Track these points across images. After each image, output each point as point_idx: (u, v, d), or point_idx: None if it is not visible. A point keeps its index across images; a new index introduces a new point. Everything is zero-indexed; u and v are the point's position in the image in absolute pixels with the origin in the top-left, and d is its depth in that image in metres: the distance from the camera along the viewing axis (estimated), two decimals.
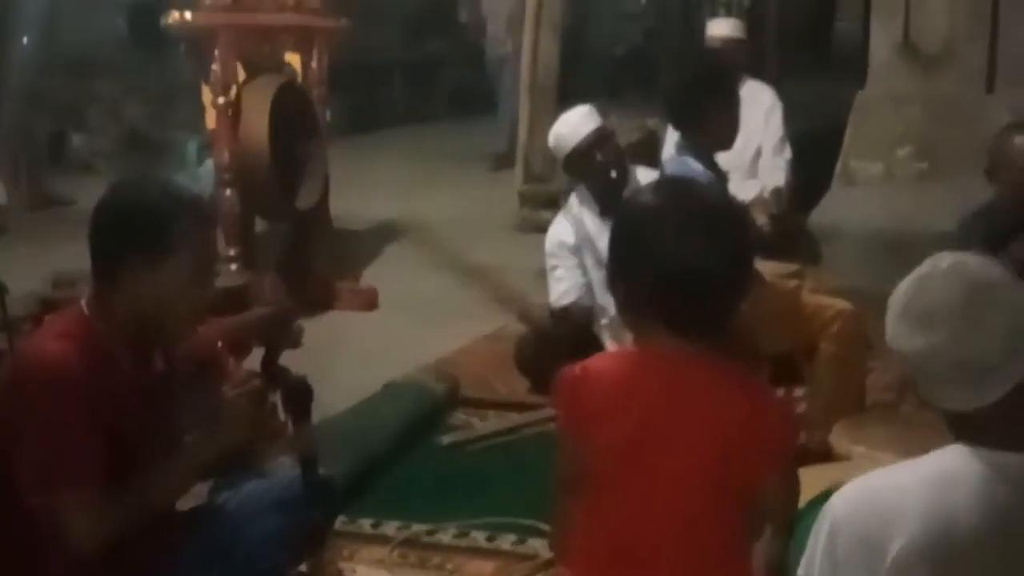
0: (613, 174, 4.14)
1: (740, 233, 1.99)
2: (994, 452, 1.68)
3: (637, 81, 10.05)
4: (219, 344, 2.68)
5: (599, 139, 4.14)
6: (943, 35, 5.61)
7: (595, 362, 2.06)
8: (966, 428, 1.71)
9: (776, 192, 5.68)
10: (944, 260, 1.73)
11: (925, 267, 1.75)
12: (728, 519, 1.94)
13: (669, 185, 2.19)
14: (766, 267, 4.52)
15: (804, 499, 2.24)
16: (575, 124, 4.16)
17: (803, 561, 1.80)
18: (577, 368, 2.04)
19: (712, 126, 3.69)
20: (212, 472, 2.53)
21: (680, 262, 1.89)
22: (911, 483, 1.70)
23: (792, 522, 2.08)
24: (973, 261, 1.72)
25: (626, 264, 1.98)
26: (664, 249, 1.90)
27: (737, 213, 2.04)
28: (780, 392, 4.18)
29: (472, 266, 6.39)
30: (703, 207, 1.96)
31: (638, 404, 1.95)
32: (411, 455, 4.01)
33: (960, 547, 1.65)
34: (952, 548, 1.65)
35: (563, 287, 4.32)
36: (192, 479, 2.41)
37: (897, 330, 1.72)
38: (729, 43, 5.77)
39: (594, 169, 4.16)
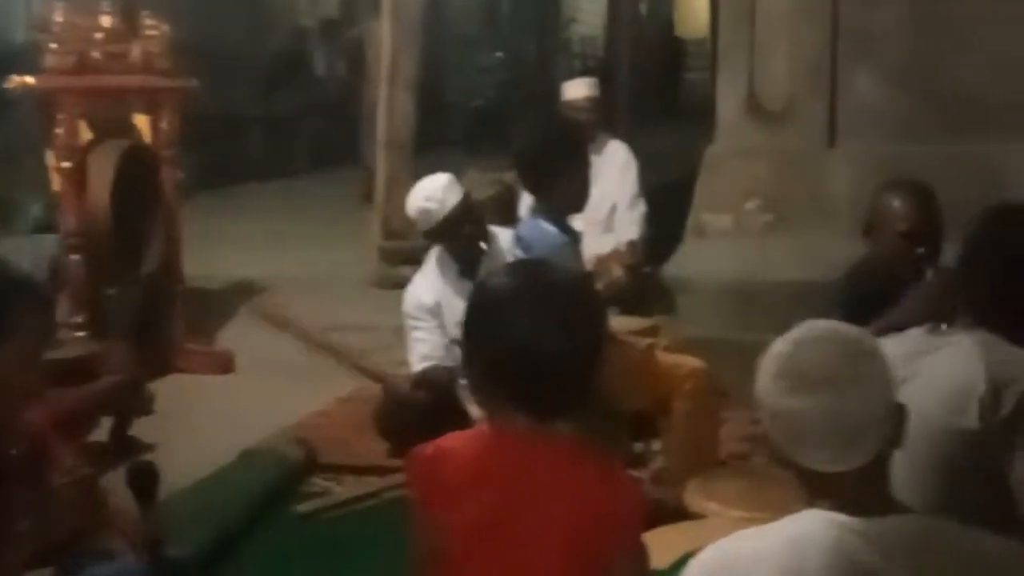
0: (483, 244, 4.15)
1: (590, 315, 2.02)
2: (849, 517, 1.72)
3: (493, 134, 10.17)
4: (49, 428, 2.58)
5: (465, 210, 4.13)
6: (785, 92, 5.78)
7: (448, 441, 2.06)
8: (825, 490, 1.75)
9: (631, 245, 5.81)
10: (818, 326, 1.80)
11: (799, 331, 1.80)
12: None
13: (522, 268, 2.23)
14: (621, 323, 4.61)
15: (661, 560, 2.27)
16: (440, 197, 4.08)
17: None
18: (430, 447, 2.05)
19: (564, 190, 3.73)
20: (54, 559, 2.45)
21: (531, 346, 1.92)
22: (766, 549, 1.73)
23: None
24: (845, 328, 1.79)
25: (479, 346, 2.00)
26: (516, 333, 1.93)
27: (588, 295, 2.07)
28: (638, 447, 4.28)
29: (331, 326, 6.32)
30: (555, 291, 1.99)
31: (491, 484, 1.96)
32: (266, 527, 3.91)
33: None
34: None
35: (423, 349, 4.30)
36: (20, 570, 2.32)
37: (772, 389, 1.75)
38: (585, 103, 5.90)
39: (460, 239, 4.15)
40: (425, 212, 4.10)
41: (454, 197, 4.09)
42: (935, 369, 2.28)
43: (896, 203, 3.41)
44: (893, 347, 2.25)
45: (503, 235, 4.16)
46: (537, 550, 1.92)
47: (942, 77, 5.42)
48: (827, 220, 5.42)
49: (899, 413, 1.76)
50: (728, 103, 5.91)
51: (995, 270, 2.35)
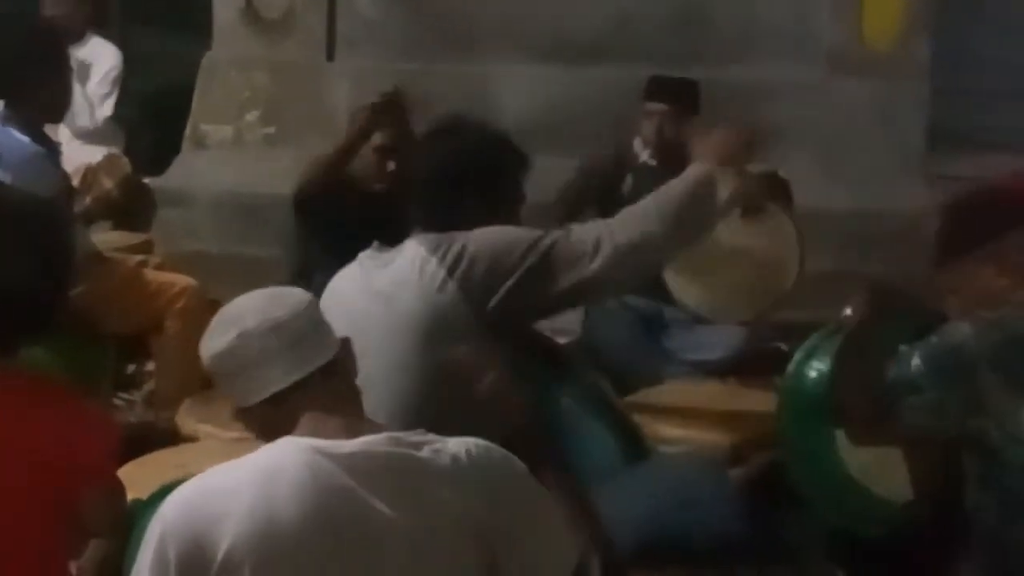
0: None
1: (48, 240, 1.88)
2: (321, 441, 1.72)
3: None
4: None
5: None
6: (284, 1, 5.71)
7: None
8: (295, 420, 1.76)
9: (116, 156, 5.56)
10: None
11: None
12: (42, 540, 1.84)
13: None
14: (110, 239, 4.40)
15: (148, 488, 2.17)
16: None
17: (134, 571, 1.73)
18: None
19: (39, 97, 3.44)
20: None
21: None
22: (239, 481, 1.70)
23: (123, 526, 2.01)
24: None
25: None
26: None
27: (46, 217, 1.91)
28: (131, 368, 4.13)
29: None
30: (4, 214, 1.85)
31: None
32: None
33: (283, 540, 1.66)
34: (275, 541, 1.65)
35: None
36: None
37: (212, 343, 1.79)
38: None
39: None
40: None
41: None
42: (394, 278, 2.34)
43: (369, 119, 3.61)
44: (350, 273, 2.31)
45: None
46: None
47: None
48: (326, 134, 5.43)
49: (346, 345, 1.83)
50: (225, 8, 5.76)
51: (427, 183, 2.46)
